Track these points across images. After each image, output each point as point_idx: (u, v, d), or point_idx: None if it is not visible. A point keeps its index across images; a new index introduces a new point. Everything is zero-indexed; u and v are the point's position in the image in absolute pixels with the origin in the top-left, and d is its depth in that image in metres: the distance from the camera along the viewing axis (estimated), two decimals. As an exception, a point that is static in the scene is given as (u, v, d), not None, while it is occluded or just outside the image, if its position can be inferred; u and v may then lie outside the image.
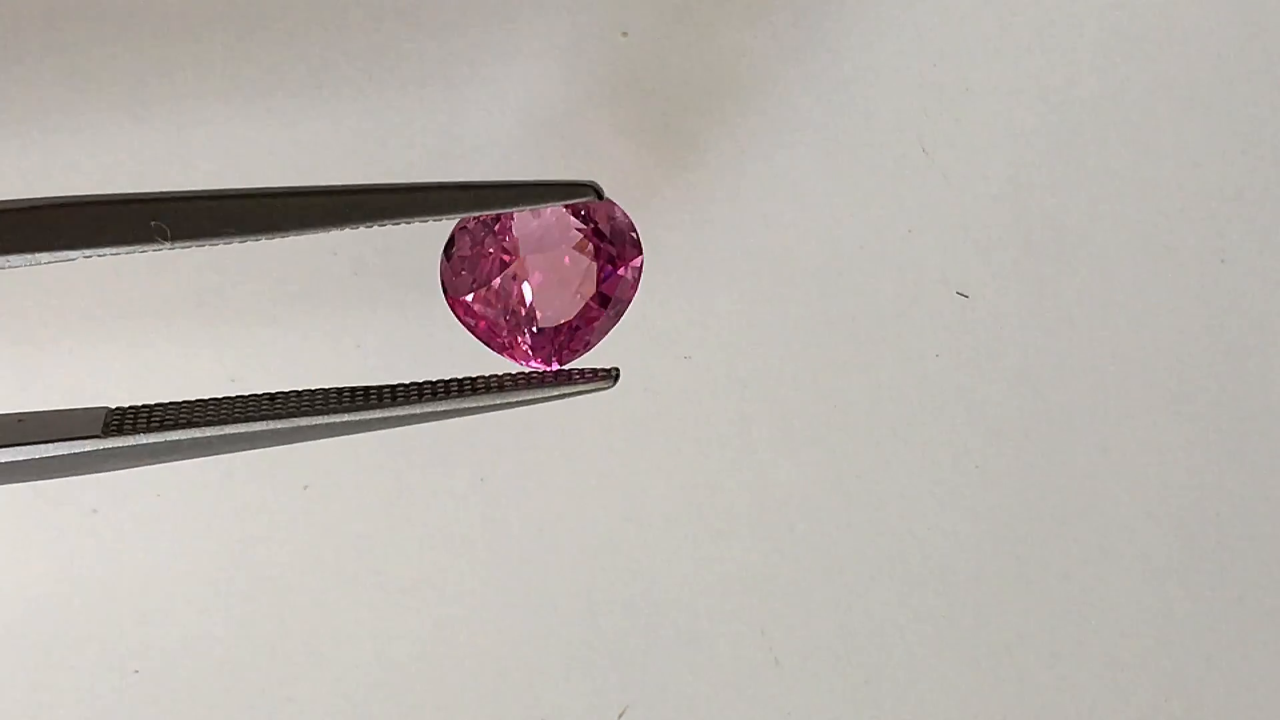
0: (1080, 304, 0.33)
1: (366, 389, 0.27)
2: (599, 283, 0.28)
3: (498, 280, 0.27)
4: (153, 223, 0.25)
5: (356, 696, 0.33)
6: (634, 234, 0.28)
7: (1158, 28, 0.33)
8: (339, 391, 0.27)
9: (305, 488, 0.32)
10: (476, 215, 0.27)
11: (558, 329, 0.28)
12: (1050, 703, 0.34)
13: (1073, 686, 0.34)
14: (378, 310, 0.32)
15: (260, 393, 0.27)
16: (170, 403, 0.27)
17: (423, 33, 0.31)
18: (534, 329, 0.28)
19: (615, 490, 0.33)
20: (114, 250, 0.25)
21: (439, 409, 0.26)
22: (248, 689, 0.33)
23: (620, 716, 0.34)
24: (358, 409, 0.26)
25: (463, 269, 0.28)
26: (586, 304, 0.28)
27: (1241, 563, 0.34)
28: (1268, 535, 0.34)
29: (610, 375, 0.27)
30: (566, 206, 0.28)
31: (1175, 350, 0.33)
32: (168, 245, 0.25)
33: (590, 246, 0.28)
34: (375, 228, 0.26)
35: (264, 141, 0.31)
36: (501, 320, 0.28)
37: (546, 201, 0.27)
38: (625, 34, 0.32)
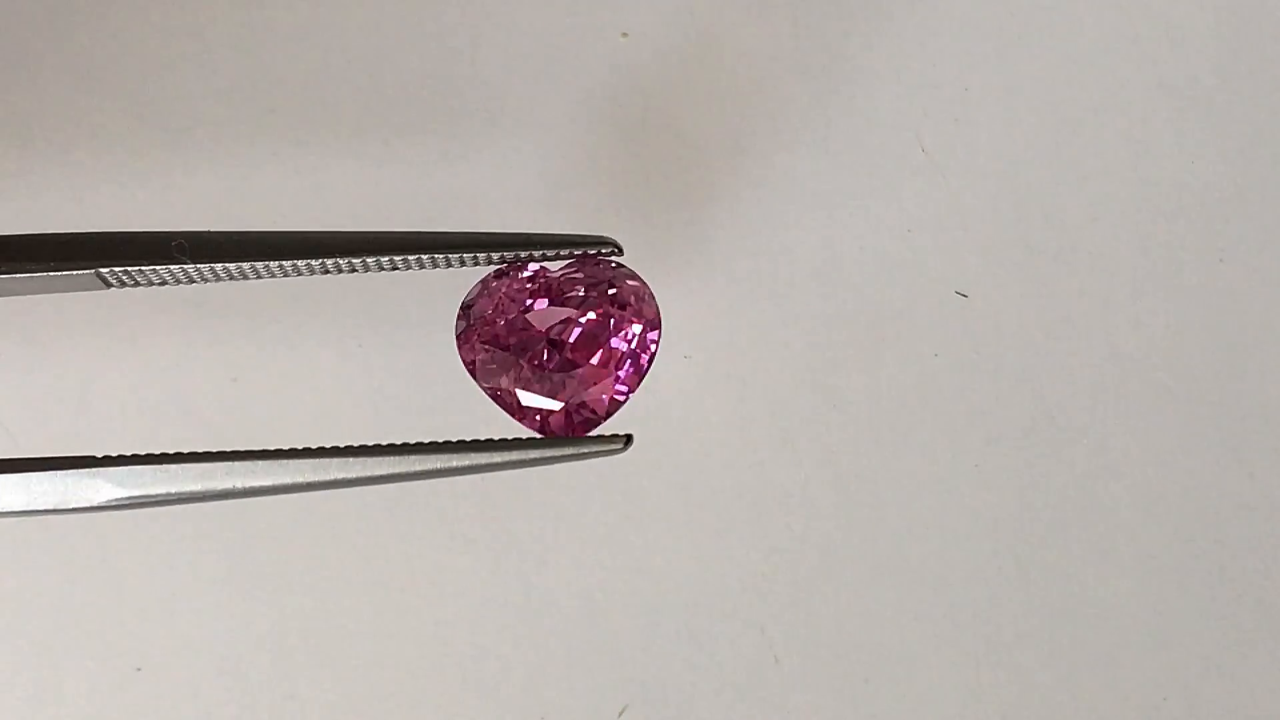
0: (1080, 304, 0.33)
1: (379, 446, 0.26)
2: (612, 355, 0.28)
3: (511, 349, 0.27)
4: (173, 243, 0.25)
5: (356, 696, 0.33)
6: (653, 306, 0.28)
7: (1158, 28, 0.33)
8: (339, 448, 0.26)
9: (305, 487, 0.32)
10: (496, 269, 0.27)
11: (576, 409, 0.28)
12: (1050, 703, 0.34)
13: (1073, 686, 0.34)
14: (378, 310, 0.32)
15: (277, 449, 0.27)
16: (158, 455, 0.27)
17: (423, 33, 0.32)
18: (550, 398, 0.27)
19: (615, 490, 0.33)
20: (135, 265, 0.25)
21: (452, 464, 0.26)
22: (248, 689, 0.33)
23: (620, 716, 0.34)
24: (366, 456, 0.26)
25: (477, 332, 0.28)
26: (602, 372, 0.27)
27: (1241, 563, 0.34)
28: (1268, 535, 0.34)
29: (621, 439, 0.27)
30: (582, 273, 0.27)
31: (1175, 350, 0.33)
32: (188, 263, 0.25)
33: (608, 314, 0.27)
34: (396, 271, 0.26)
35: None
36: (515, 387, 0.27)
37: (562, 251, 0.27)
38: (625, 34, 0.32)
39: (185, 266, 0.26)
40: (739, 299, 0.33)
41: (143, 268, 0.26)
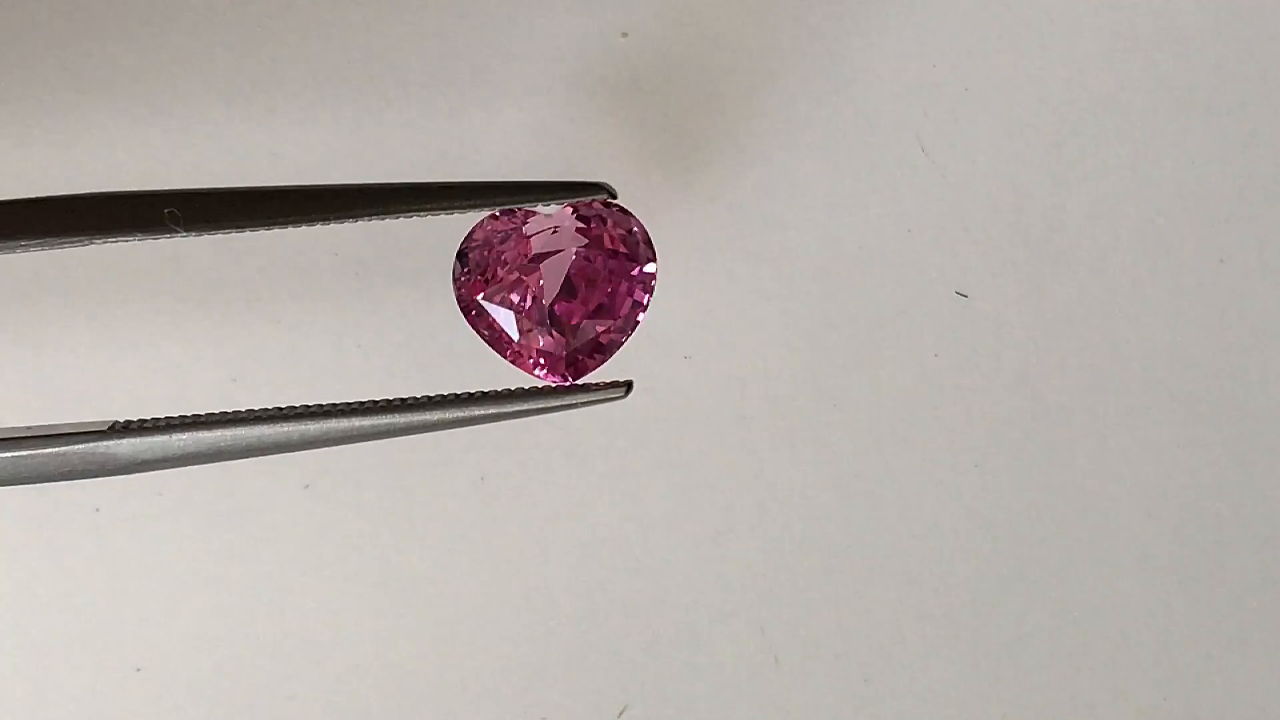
0: (1080, 304, 0.33)
1: (375, 402, 0.26)
2: (614, 294, 0.28)
3: (513, 295, 0.27)
4: (166, 210, 0.25)
5: (356, 696, 0.33)
6: (648, 246, 0.28)
7: (1158, 28, 0.33)
8: (348, 405, 0.26)
9: (306, 487, 0.32)
10: (490, 213, 0.27)
11: (572, 348, 0.28)
12: (1050, 703, 0.34)
13: (1073, 686, 0.34)
14: (379, 310, 0.32)
15: (269, 407, 0.27)
16: (176, 415, 0.27)
17: (424, 33, 0.32)
18: (546, 339, 0.27)
19: (615, 490, 0.33)
20: (127, 237, 0.25)
21: (446, 417, 0.26)
22: (248, 689, 0.33)
23: (620, 716, 0.34)
24: (365, 414, 0.26)
25: (475, 274, 0.28)
26: (595, 311, 0.28)
27: (1241, 563, 0.34)
28: (1268, 535, 0.34)
29: (622, 386, 0.27)
30: (577, 214, 0.28)
31: (1175, 350, 0.33)
32: (180, 233, 0.25)
33: (598, 256, 0.27)
34: (386, 221, 0.26)
35: (266, 145, 0.31)
36: (513, 324, 0.28)
37: (557, 197, 0.27)
38: (625, 34, 0.32)
39: (176, 232, 0.25)
40: (739, 299, 0.33)
41: (132, 238, 0.25)
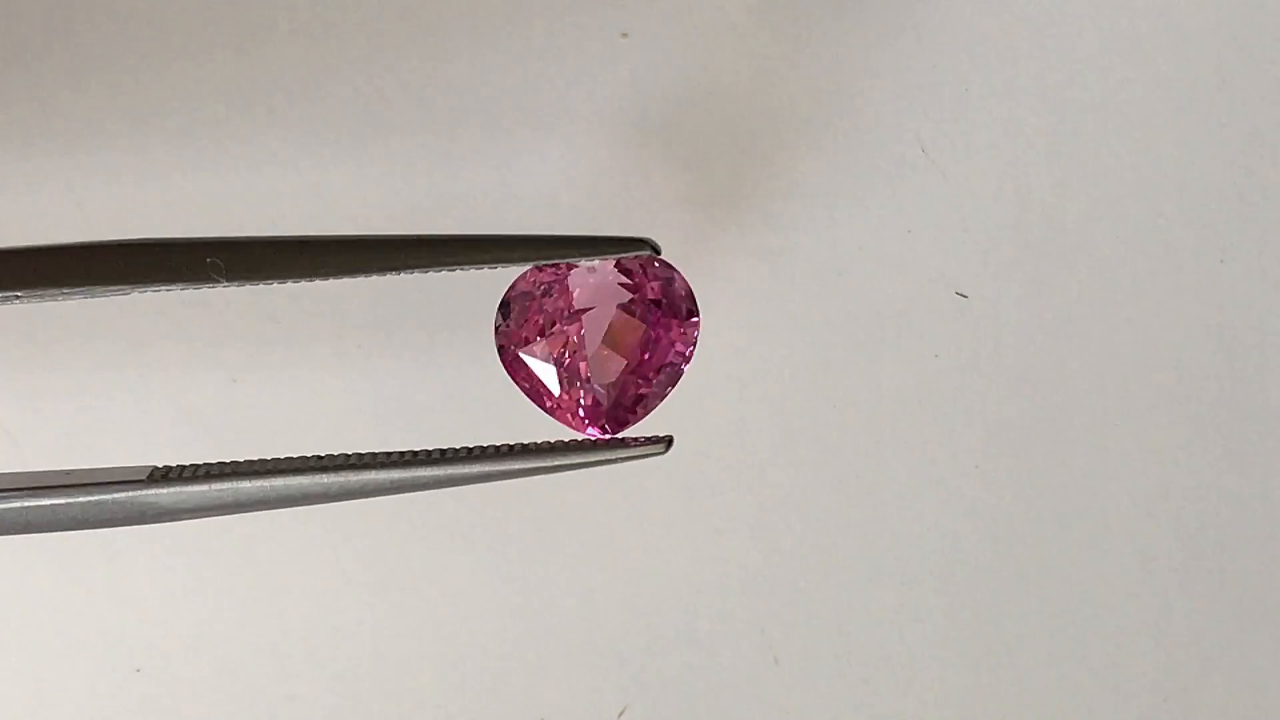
0: (1080, 304, 0.33)
1: (414, 453, 0.26)
2: (658, 351, 0.27)
3: (551, 340, 0.27)
4: (208, 260, 0.25)
5: (356, 696, 0.33)
6: (691, 300, 0.28)
7: (1158, 28, 0.33)
8: (387, 455, 0.26)
9: (305, 488, 0.32)
10: (534, 266, 0.27)
11: (612, 401, 0.27)
12: (1050, 703, 0.34)
13: (1073, 686, 0.34)
14: (378, 311, 0.32)
15: (309, 455, 0.27)
16: (215, 462, 0.27)
17: (423, 31, 0.31)
18: (587, 393, 0.27)
19: (615, 490, 0.33)
20: (169, 286, 0.25)
21: (486, 470, 0.26)
22: (248, 689, 0.33)
23: (620, 716, 0.34)
24: (403, 466, 0.26)
25: (516, 325, 0.27)
26: (637, 366, 0.27)
27: (1241, 563, 0.34)
28: (1268, 535, 0.34)
29: (662, 442, 0.27)
30: (619, 267, 0.27)
31: (1175, 350, 0.33)
32: (222, 282, 0.25)
33: (639, 310, 0.27)
34: (429, 274, 0.26)
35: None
36: (553, 377, 0.27)
37: (601, 252, 0.26)
38: (625, 34, 0.32)
39: (218, 282, 0.25)
40: (739, 299, 0.33)
41: (174, 287, 0.25)
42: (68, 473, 0.26)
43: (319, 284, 0.31)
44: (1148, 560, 0.34)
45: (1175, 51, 0.33)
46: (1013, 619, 0.34)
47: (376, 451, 0.26)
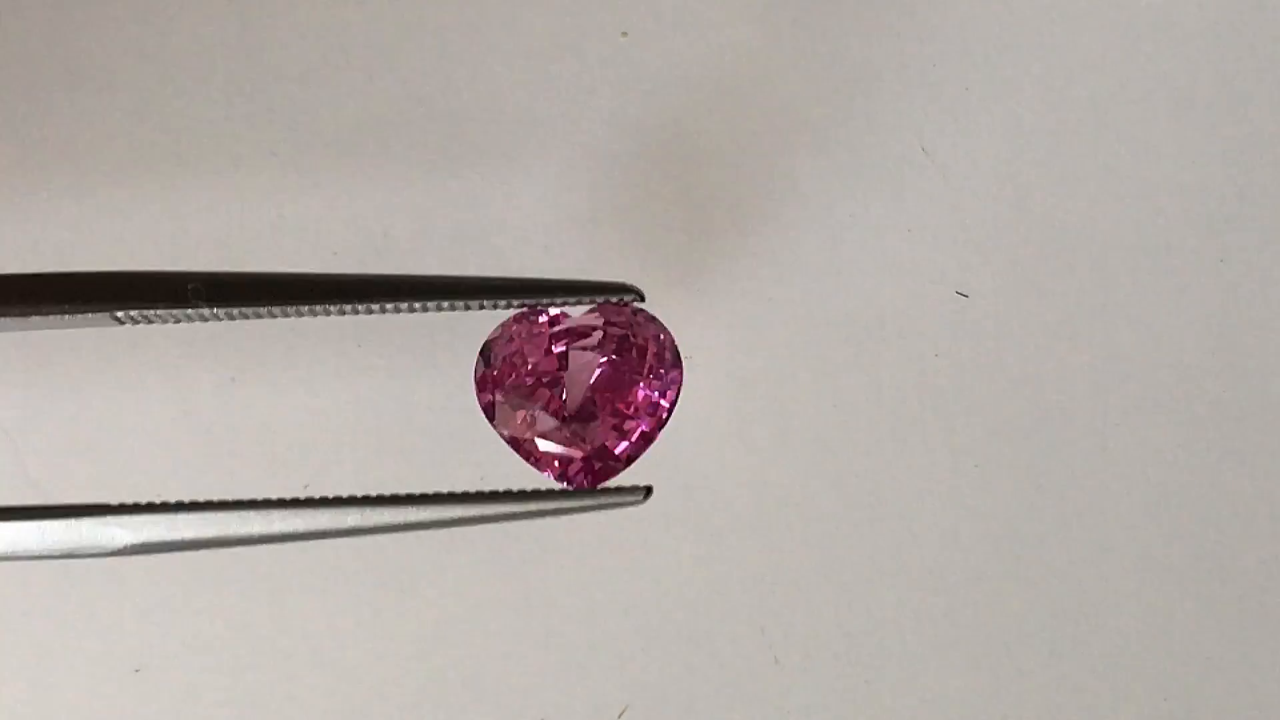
0: (1080, 304, 0.33)
1: (397, 496, 0.26)
2: (629, 400, 0.27)
3: (532, 392, 0.27)
4: (189, 285, 0.25)
5: (356, 696, 0.33)
6: (674, 350, 0.28)
7: (1158, 28, 0.33)
8: (371, 498, 0.26)
9: (305, 486, 0.32)
10: (517, 311, 0.27)
11: (594, 454, 0.27)
12: (1050, 703, 0.34)
13: (1073, 686, 0.34)
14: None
15: (287, 498, 0.27)
16: (179, 502, 0.27)
17: (423, 31, 0.32)
18: (569, 443, 0.27)
19: (615, 490, 0.33)
20: (150, 309, 0.25)
21: (466, 514, 0.26)
22: (248, 689, 0.33)
23: (620, 716, 0.34)
24: (378, 505, 0.26)
25: (497, 374, 0.27)
26: (619, 420, 0.27)
27: (1241, 563, 0.34)
28: (1268, 535, 0.34)
29: (640, 491, 0.27)
30: (604, 319, 0.27)
31: (1175, 350, 0.33)
32: (203, 308, 0.25)
33: (625, 362, 0.27)
34: (413, 314, 0.26)
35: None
36: (533, 431, 0.27)
37: (584, 297, 0.26)
38: (625, 34, 0.32)
39: (201, 309, 0.26)
40: (739, 299, 0.33)
41: (158, 310, 0.26)
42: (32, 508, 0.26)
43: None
44: (1148, 560, 0.34)
45: (1175, 51, 0.33)
46: (1013, 619, 0.34)
47: (344, 496, 0.26)
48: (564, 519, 0.33)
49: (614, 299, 0.27)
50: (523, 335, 0.27)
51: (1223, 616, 0.34)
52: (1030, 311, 0.33)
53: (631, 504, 0.27)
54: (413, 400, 0.32)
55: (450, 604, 0.33)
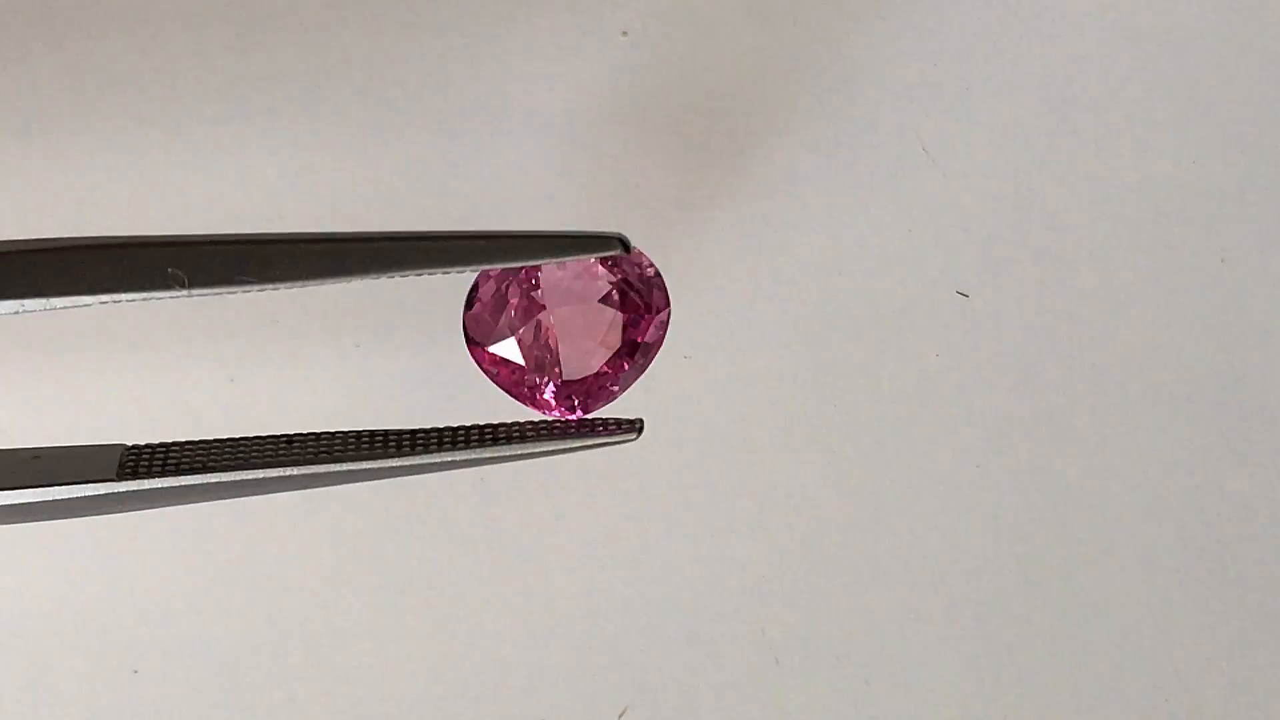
0: (1080, 304, 0.33)
1: (385, 434, 0.26)
2: (625, 334, 0.27)
3: (522, 330, 0.27)
4: (170, 270, 0.24)
5: (356, 696, 0.33)
6: (661, 286, 0.28)
7: (1158, 28, 0.33)
8: (357, 436, 0.26)
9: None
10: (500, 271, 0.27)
11: (582, 380, 0.27)
12: (1050, 703, 0.34)
13: (1073, 686, 0.34)
14: (376, 310, 0.32)
15: (279, 434, 0.26)
16: (187, 443, 0.26)
17: (423, 30, 0.31)
18: (559, 380, 0.27)
19: (614, 489, 0.33)
20: (130, 296, 0.25)
21: (458, 458, 0.26)
22: (248, 689, 0.33)
23: (620, 716, 0.34)
24: (376, 456, 0.26)
25: (486, 318, 0.27)
26: (613, 355, 0.27)
27: (1241, 563, 0.34)
28: (1268, 535, 0.34)
29: (634, 427, 0.27)
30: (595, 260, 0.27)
31: (1175, 350, 0.33)
32: (184, 293, 0.25)
33: (617, 298, 0.27)
34: (397, 278, 0.26)
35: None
36: (525, 370, 0.27)
37: (572, 254, 0.26)
38: (625, 34, 0.32)
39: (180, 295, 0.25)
40: (739, 299, 0.33)
41: (135, 297, 0.25)
42: (35, 455, 0.26)
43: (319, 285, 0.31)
44: (1148, 560, 0.34)
45: (1175, 51, 0.33)
46: (1013, 619, 0.34)
47: (344, 435, 0.26)
48: (564, 518, 0.33)
49: (602, 253, 0.27)
50: (508, 277, 0.27)
51: (1223, 616, 0.34)
52: (1030, 311, 0.33)
53: (624, 440, 0.27)
54: (413, 401, 0.32)
55: (450, 604, 0.33)
